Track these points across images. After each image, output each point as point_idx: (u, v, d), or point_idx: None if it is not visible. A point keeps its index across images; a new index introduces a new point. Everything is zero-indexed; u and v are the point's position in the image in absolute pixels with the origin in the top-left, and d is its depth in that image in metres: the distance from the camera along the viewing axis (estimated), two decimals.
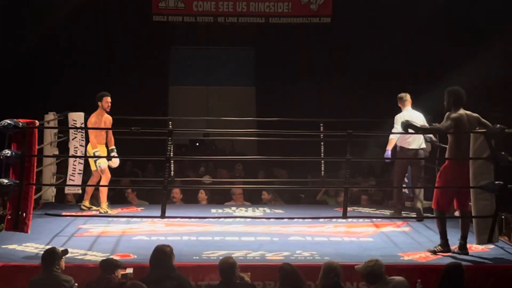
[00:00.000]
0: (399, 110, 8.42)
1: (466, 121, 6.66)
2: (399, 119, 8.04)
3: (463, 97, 6.72)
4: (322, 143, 9.79)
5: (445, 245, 6.72)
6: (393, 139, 8.31)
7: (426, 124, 8.01)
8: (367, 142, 12.09)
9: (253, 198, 10.18)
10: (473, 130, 6.64)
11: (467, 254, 6.64)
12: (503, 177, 6.58)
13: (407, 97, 8.40)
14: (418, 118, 8.09)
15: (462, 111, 6.69)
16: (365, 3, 12.89)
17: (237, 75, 14.32)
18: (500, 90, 12.42)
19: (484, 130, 6.60)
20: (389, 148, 8.32)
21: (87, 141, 8.74)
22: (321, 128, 9.75)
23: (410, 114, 8.19)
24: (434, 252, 6.68)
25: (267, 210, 9.12)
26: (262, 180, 10.80)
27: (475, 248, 6.82)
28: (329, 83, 13.16)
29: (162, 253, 5.52)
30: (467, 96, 6.81)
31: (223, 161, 11.85)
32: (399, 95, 8.46)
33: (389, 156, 8.32)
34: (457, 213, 8.21)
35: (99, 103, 8.55)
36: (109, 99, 8.56)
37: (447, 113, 6.73)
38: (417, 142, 8.26)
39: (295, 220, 8.08)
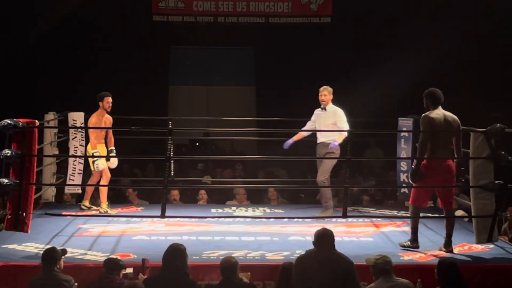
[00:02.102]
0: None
1: (442, 120, 6.68)
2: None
3: (439, 97, 6.75)
4: None
5: (414, 241, 6.80)
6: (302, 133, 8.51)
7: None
8: (368, 142, 12.10)
9: (253, 198, 10.18)
10: (451, 129, 6.68)
11: (451, 252, 6.69)
12: (503, 176, 6.59)
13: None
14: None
15: (439, 111, 6.71)
16: (365, 3, 12.89)
17: (237, 75, 14.33)
18: (500, 90, 12.41)
19: (484, 129, 6.63)
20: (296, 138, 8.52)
21: (87, 141, 8.74)
22: None
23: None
24: (403, 246, 6.79)
25: (267, 210, 9.13)
26: (262, 180, 10.80)
27: (475, 247, 6.84)
28: (329, 83, 13.13)
29: (178, 254, 5.34)
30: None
31: (223, 161, 11.84)
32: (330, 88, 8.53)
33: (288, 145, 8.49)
34: (458, 213, 8.28)
35: (100, 103, 8.55)
36: (110, 99, 8.56)
37: (421, 116, 6.79)
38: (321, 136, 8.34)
39: (295, 220, 8.08)
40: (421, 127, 6.79)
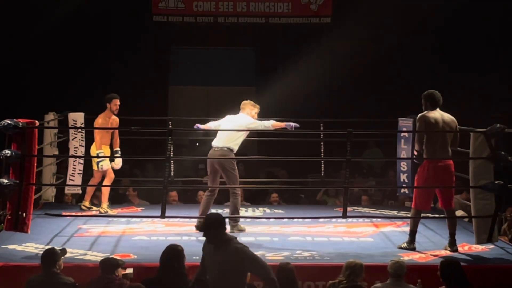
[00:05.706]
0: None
1: (440, 120, 6.74)
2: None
3: (438, 99, 6.81)
4: (322, 143, 9.80)
5: (411, 243, 6.84)
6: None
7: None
8: (367, 142, 12.09)
9: (253, 198, 10.17)
10: (449, 129, 6.73)
11: (456, 251, 6.72)
12: (503, 176, 6.60)
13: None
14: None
15: (436, 112, 6.77)
16: (365, 3, 12.88)
17: (237, 75, 14.30)
18: (500, 90, 12.41)
19: (484, 130, 6.63)
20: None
21: (87, 141, 8.73)
22: (321, 128, 9.76)
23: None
24: (399, 248, 6.83)
25: (267, 210, 9.13)
26: (262, 180, 10.79)
27: (475, 248, 6.84)
28: (329, 83, 13.16)
29: (176, 255, 5.33)
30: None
31: None
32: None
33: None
34: (459, 213, 8.28)
35: (108, 105, 8.55)
36: (118, 101, 8.57)
37: (418, 116, 6.88)
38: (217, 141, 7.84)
39: (295, 220, 8.08)
40: (417, 126, 6.89)
